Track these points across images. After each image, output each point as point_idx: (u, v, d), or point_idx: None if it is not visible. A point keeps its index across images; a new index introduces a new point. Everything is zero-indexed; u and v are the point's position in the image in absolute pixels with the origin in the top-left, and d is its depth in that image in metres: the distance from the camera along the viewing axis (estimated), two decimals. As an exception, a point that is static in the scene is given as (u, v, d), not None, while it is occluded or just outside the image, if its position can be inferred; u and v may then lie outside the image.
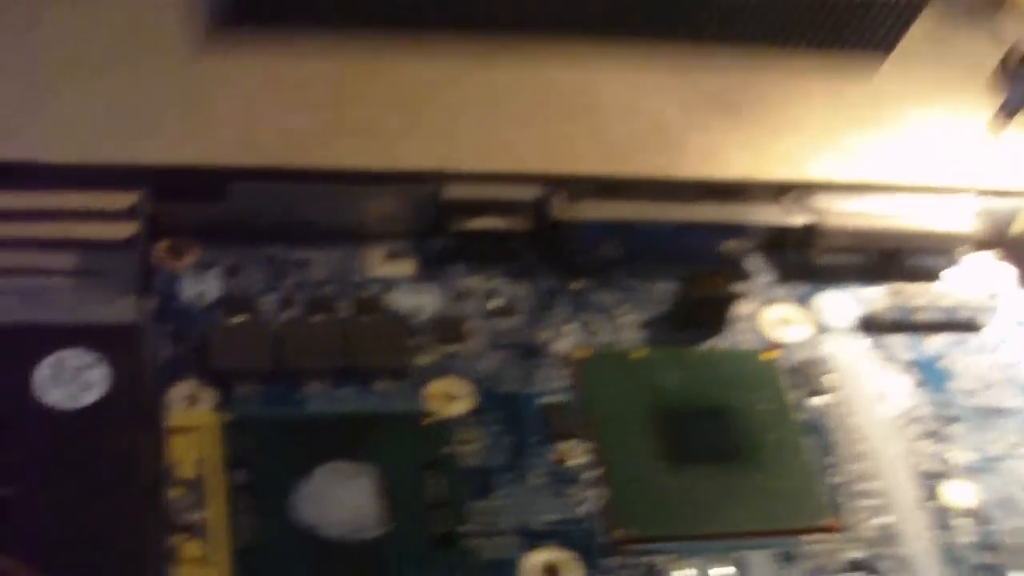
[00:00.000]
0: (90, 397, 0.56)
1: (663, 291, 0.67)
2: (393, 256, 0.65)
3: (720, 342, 0.66)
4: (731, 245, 0.68)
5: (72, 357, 0.56)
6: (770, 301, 0.68)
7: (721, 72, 0.71)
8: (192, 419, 0.58)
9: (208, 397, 0.59)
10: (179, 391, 0.58)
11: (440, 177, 0.64)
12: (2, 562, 0.51)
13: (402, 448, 0.58)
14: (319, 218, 0.64)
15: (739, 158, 0.68)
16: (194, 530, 0.55)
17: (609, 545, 0.58)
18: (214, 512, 0.55)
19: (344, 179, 0.64)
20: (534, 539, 0.58)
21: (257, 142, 0.63)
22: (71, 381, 0.56)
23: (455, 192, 0.64)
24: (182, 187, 0.61)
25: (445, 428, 0.60)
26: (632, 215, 0.66)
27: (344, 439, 0.58)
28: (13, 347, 0.56)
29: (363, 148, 0.65)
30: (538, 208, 0.65)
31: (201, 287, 0.62)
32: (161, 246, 0.63)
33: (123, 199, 0.61)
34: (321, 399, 0.60)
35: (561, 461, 0.60)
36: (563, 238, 0.66)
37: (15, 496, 0.53)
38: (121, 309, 0.60)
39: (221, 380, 0.59)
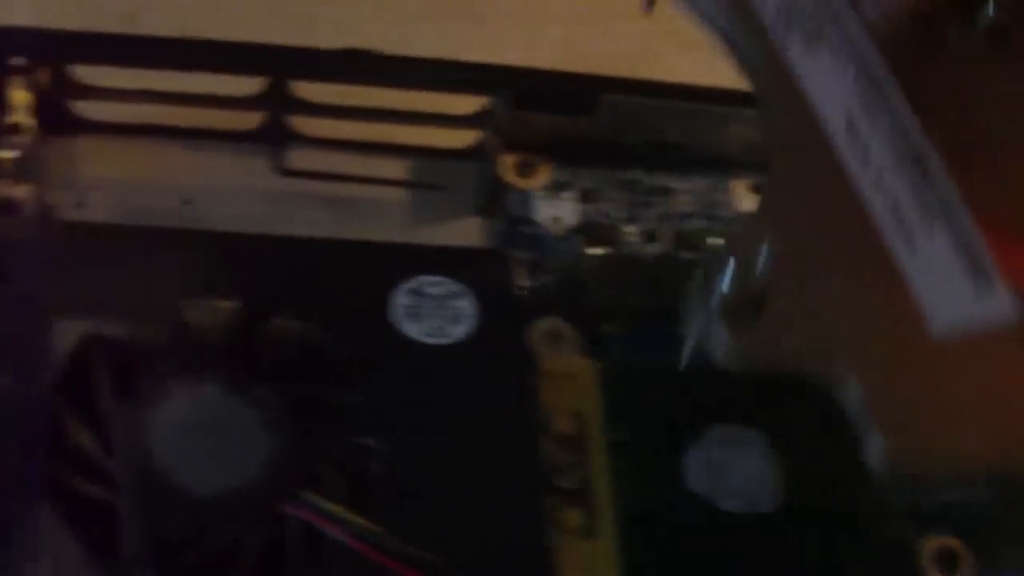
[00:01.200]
0: (458, 332, 0.48)
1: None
2: (759, 190, 0.57)
3: None
4: None
5: (433, 284, 0.48)
6: None
7: None
8: (563, 364, 0.49)
9: (572, 338, 0.50)
10: (539, 329, 0.50)
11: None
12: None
13: (806, 414, 0.49)
14: (685, 142, 0.56)
15: None
16: (575, 494, 0.47)
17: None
18: (596, 474, 0.47)
19: (710, 98, 0.55)
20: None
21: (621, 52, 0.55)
22: (433, 312, 0.48)
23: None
24: (546, 95, 0.53)
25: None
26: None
27: (739, 399, 0.49)
28: (364, 269, 0.49)
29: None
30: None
31: (555, 211, 0.54)
32: (509, 160, 0.54)
33: (469, 103, 0.54)
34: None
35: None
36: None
37: (380, 449, 0.45)
38: (469, 230, 0.53)
39: (589, 320, 0.51)
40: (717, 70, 0.59)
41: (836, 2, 0.40)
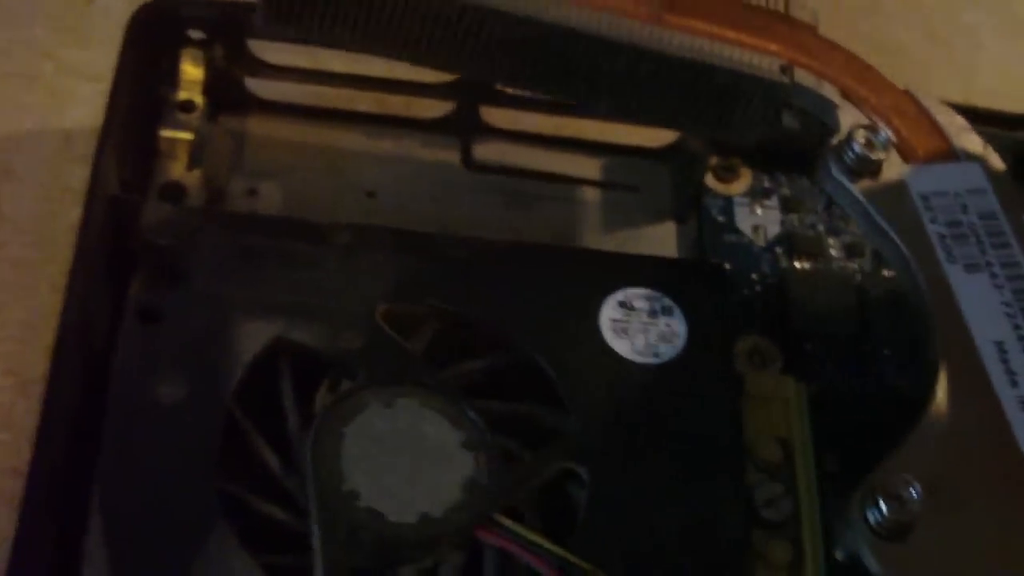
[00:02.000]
0: (667, 351, 0.44)
1: None
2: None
3: None
4: None
5: (642, 298, 0.45)
6: None
7: None
8: (769, 386, 0.46)
9: (775, 357, 0.47)
10: (741, 347, 0.47)
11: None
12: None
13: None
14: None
15: None
16: (781, 528, 0.43)
17: None
18: (804, 507, 0.44)
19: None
20: None
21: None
22: (643, 328, 0.44)
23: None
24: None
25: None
26: None
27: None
28: (572, 279, 0.45)
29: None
30: None
31: (757, 219, 0.50)
32: (710, 163, 0.51)
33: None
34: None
35: None
36: None
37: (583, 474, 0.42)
38: (662, 235, 0.49)
39: (795, 339, 0.47)
40: (908, 78, 0.55)
41: (1002, 228, 0.43)
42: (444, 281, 0.44)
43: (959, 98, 0.47)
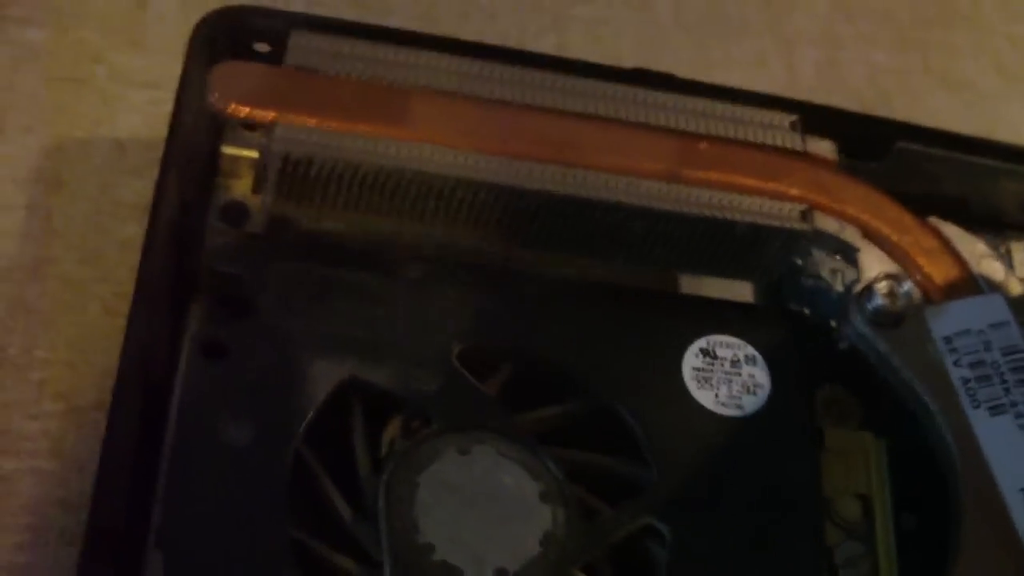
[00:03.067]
0: (750, 402, 0.42)
1: None
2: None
3: None
4: None
5: (726, 346, 0.43)
6: None
7: None
8: (847, 440, 0.44)
9: (854, 410, 0.45)
10: (819, 398, 0.45)
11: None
12: None
13: None
14: (963, 195, 0.50)
15: None
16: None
17: None
18: (884, 567, 0.42)
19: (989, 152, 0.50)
20: None
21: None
22: (725, 378, 0.43)
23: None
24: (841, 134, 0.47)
25: None
26: None
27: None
28: (654, 324, 0.43)
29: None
30: None
31: (835, 263, 0.48)
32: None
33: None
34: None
35: None
36: None
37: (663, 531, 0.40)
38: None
39: (871, 389, 0.45)
40: (979, 116, 0.54)
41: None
42: (521, 321, 0.42)
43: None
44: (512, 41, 0.51)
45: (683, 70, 0.47)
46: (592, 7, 0.54)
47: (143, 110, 0.48)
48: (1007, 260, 0.50)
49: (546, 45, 0.53)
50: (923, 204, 0.49)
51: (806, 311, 0.46)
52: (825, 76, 0.54)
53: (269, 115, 0.41)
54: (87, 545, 0.36)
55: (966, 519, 0.40)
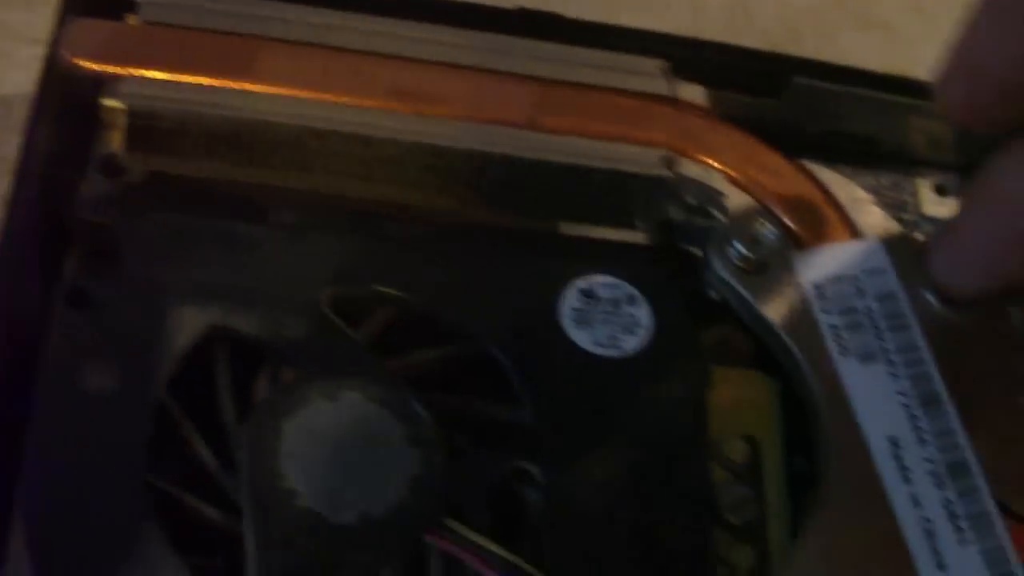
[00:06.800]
0: (630, 343, 0.42)
1: None
2: (943, 192, 0.50)
3: None
4: None
5: (606, 286, 0.42)
6: None
7: None
8: (736, 381, 0.43)
9: (745, 350, 0.44)
10: (708, 338, 0.44)
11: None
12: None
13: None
14: (868, 133, 0.49)
15: None
16: (747, 533, 0.41)
17: None
18: (771, 511, 0.41)
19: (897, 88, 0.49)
20: None
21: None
22: (605, 319, 0.42)
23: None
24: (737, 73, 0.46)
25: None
26: None
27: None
28: (529, 264, 0.43)
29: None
30: None
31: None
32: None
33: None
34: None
35: None
36: None
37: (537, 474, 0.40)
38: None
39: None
40: (894, 55, 0.53)
41: (901, 309, 0.42)
42: (394, 264, 0.42)
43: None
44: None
45: (588, 13, 0.46)
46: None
47: (29, 66, 0.47)
48: (907, 203, 0.49)
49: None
50: (827, 142, 0.49)
51: (696, 251, 0.45)
52: (735, 16, 0.54)
53: (115, 70, 0.42)
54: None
55: (830, 470, 0.40)
